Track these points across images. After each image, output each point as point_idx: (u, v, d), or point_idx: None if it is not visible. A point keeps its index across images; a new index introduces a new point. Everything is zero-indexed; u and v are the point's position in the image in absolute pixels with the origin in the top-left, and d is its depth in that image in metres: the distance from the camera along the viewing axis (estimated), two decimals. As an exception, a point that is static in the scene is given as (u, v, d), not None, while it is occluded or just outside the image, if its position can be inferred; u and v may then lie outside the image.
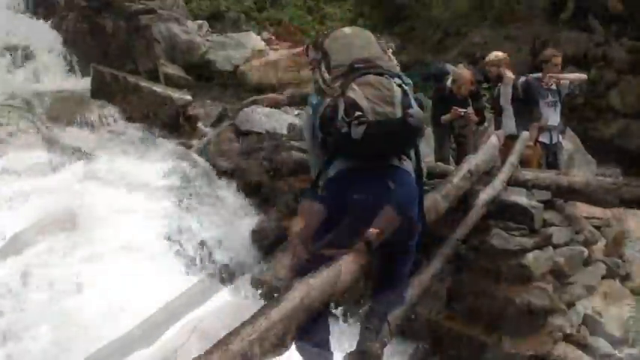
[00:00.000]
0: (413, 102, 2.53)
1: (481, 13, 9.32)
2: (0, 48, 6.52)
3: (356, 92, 2.50)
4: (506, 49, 7.95)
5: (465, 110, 5.55)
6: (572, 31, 7.96)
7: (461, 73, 5.79)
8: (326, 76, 2.67)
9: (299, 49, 6.64)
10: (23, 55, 6.60)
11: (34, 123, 5.32)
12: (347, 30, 2.87)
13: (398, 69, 2.72)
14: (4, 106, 5.32)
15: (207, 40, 7.05)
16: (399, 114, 2.47)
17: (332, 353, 2.45)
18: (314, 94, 2.74)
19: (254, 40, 7.26)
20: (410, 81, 2.64)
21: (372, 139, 2.44)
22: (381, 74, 2.57)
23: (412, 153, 2.64)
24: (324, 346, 2.46)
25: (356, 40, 2.77)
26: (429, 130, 5.50)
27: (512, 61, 5.58)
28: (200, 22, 7.87)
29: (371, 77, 2.55)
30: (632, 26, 7.37)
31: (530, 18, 9.02)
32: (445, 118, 5.55)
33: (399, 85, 2.55)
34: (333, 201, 2.59)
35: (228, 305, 3.99)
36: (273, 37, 7.84)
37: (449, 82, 5.79)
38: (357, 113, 2.44)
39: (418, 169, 2.64)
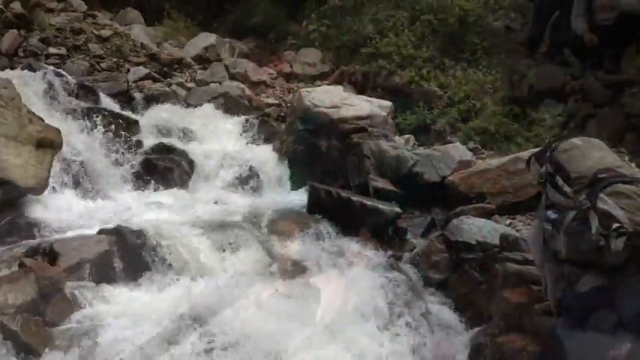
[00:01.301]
0: None
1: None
2: (231, 171, 7.36)
3: (607, 203, 2.44)
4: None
5: None
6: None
7: None
8: (566, 189, 2.63)
9: (507, 158, 6.55)
10: (250, 177, 7.38)
11: (259, 238, 5.80)
12: (577, 141, 2.86)
13: None
14: (233, 223, 5.88)
15: (415, 154, 7.25)
16: None
17: None
18: (549, 209, 2.69)
19: (460, 150, 7.31)
20: None
21: (634, 251, 2.31)
22: (629, 182, 2.47)
23: None
24: None
25: (592, 150, 2.75)
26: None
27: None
28: (407, 136, 8.16)
29: (621, 187, 2.49)
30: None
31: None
32: None
33: None
34: (583, 319, 2.49)
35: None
36: (479, 147, 7.84)
37: None
38: (615, 225, 2.34)
39: None
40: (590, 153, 2.70)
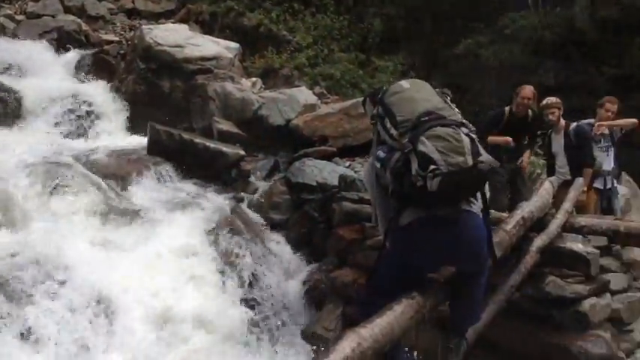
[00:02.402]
0: (481, 149, 2.61)
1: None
2: (62, 110, 6.85)
3: (427, 145, 2.56)
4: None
5: (511, 141, 5.38)
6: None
7: (524, 86, 5.62)
8: (393, 131, 2.73)
9: (349, 103, 6.68)
10: (84, 116, 6.90)
11: (92, 180, 5.45)
12: (405, 84, 2.94)
13: (460, 116, 2.75)
14: (63, 164, 5.48)
15: (261, 97, 7.17)
16: (470, 162, 2.54)
17: None
18: (379, 147, 2.80)
19: (306, 94, 7.34)
20: (474, 128, 2.71)
21: (447, 189, 2.51)
22: (447, 125, 2.58)
23: (478, 194, 2.73)
24: None
25: (417, 94, 2.86)
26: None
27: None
28: (254, 79, 8.06)
29: (439, 130, 2.61)
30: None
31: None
32: (492, 139, 5.34)
33: (467, 135, 2.61)
34: (406, 248, 2.70)
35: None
36: (325, 92, 7.93)
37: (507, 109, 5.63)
38: (432, 167, 2.49)
39: (485, 207, 2.74)
40: (415, 96, 2.78)
